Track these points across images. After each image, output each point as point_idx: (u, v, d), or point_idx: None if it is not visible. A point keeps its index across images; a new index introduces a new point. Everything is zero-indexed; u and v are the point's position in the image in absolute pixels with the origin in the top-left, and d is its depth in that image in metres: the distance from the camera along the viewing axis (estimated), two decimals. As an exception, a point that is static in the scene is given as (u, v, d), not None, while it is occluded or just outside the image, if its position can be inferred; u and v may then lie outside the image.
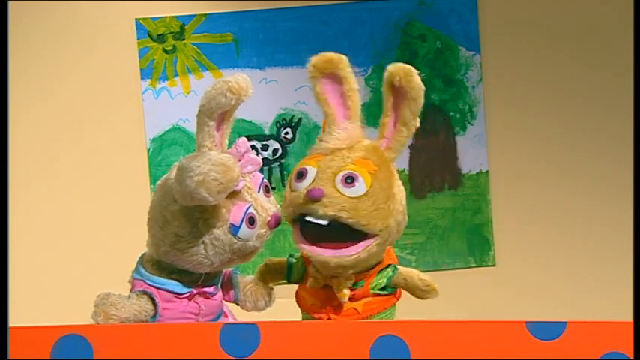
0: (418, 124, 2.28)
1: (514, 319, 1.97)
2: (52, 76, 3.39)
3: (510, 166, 3.54)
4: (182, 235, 2.14)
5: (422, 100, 2.26)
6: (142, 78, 3.41)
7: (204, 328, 2.05)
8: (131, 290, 2.30)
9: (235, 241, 2.12)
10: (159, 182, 2.32)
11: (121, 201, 3.41)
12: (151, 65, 3.41)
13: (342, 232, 2.20)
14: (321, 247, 2.22)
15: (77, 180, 3.40)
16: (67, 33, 3.38)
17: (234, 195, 2.10)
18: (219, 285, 2.30)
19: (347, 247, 2.20)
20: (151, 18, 3.40)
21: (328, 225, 2.17)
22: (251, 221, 2.12)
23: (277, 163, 3.45)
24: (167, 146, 3.43)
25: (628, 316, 2.18)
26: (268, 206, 2.17)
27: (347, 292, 2.26)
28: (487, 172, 3.51)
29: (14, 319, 2.21)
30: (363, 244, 2.23)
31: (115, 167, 3.42)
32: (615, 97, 3.53)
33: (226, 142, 2.23)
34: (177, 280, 2.20)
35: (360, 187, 2.20)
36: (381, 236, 2.25)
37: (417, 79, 2.23)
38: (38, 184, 3.39)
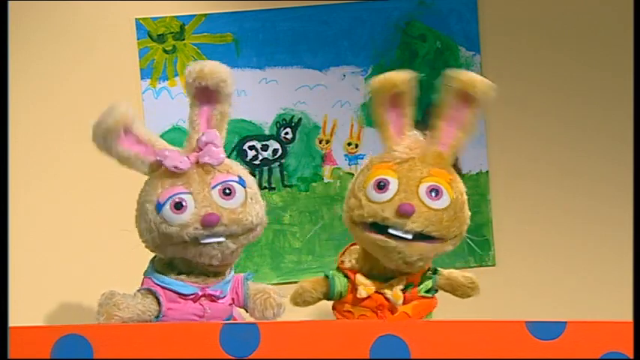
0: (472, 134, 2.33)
1: (514, 319, 1.97)
2: (51, 76, 3.38)
3: (510, 166, 3.54)
4: (139, 212, 2.21)
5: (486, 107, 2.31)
6: (142, 78, 3.41)
7: (204, 328, 2.05)
8: (140, 287, 2.30)
9: (159, 219, 2.12)
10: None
11: (121, 201, 3.40)
12: (151, 65, 3.41)
13: (415, 237, 2.24)
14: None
15: (77, 180, 3.40)
16: (67, 33, 3.38)
17: (178, 178, 2.13)
18: (227, 289, 2.29)
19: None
20: (151, 18, 3.40)
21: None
22: (177, 206, 2.11)
23: (277, 163, 3.45)
24: (167, 146, 3.42)
25: (628, 316, 2.18)
26: (214, 205, 2.15)
27: (401, 294, 2.28)
28: (487, 172, 3.50)
29: (14, 319, 2.21)
30: (437, 244, 2.27)
31: (115, 167, 3.41)
32: (615, 97, 3.53)
33: (210, 130, 2.22)
34: (184, 281, 2.20)
35: (444, 200, 2.25)
36: (455, 240, 2.31)
37: (486, 86, 2.28)
38: (38, 184, 3.39)
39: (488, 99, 2.28)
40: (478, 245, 3.40)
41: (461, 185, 2.39)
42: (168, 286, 2.23)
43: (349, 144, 3.47)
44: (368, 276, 2.36)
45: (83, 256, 3.40)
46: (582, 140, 3.55)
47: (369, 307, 2.35)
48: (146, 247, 2.24)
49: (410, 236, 2.24)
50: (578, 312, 3.37)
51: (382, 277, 2.36)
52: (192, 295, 2.22)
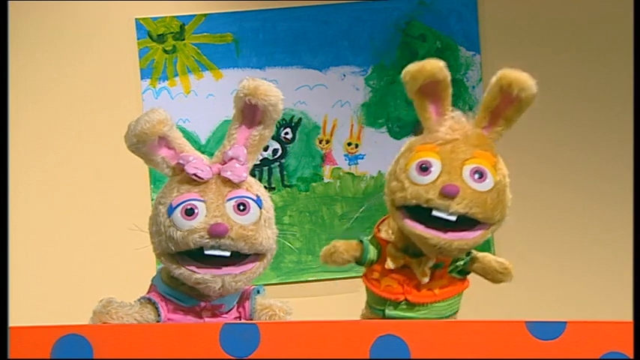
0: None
1: (514, 319, 1.97)
2: (51, 76, 3.39)
3: (510, 166, 3.53)
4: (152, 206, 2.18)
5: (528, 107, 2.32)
6: (142, 78, 3.41)
7: (204, 328, 2.05)
8: (142, 296, 2.29)
9: (168, 223, 2.09)
10: None
11: (121, 201, 3.41)
12: (151, 65, 3.41)
13: (459, 220, 2.24)
14: (432, 229, 2.24)
15: (77, 180, 3.40)
16: (67, 33, 3.39)
17: (196, 185, 2.10)
18: (231, 304, 2.27)
19: (463, 231, 2.23)
20: (151, 18, 3.40)
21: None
22: (188, 212, 2.08)
23: (277, 163, 3.45)
24: (167, 146, 3.43)
25: (628, 316, 2.18)
26: (225, 217, 2.12)
27: (428, 272, 2.29)
28: (487, 172, 3.51)
29: (14, 319, 2.21)
30: (479, 232, 2.27)
31: (115, 167, 3.42)
32: (616, 97, 3.53)
33: (238, 146, 2.19)
34: (186, 293, 2.18)
35: (488, 182, 2.25)
36: (497, 224, 2.31)
37: (534, 90, 2.28)
38: (38, 184, 3.39)
39: (531, 101, 2.30)
40: (478, 245, 3.40)
41: (504, 168, 2.40)
42: (170, 296, 2.22)
43: (349, 144, 3.47)
44: (401, 249, 2.37)
45: (83, 256, 3.40)
46: (582, 140, 3.55)
47: (397, 278, 2.36)
48: (153, 251, 2.22)
49: (454, 218, 2.24)
50: (578, 312, 3.37)
51: (415, 251, 2.37)
52: (193, 307, 2.21)
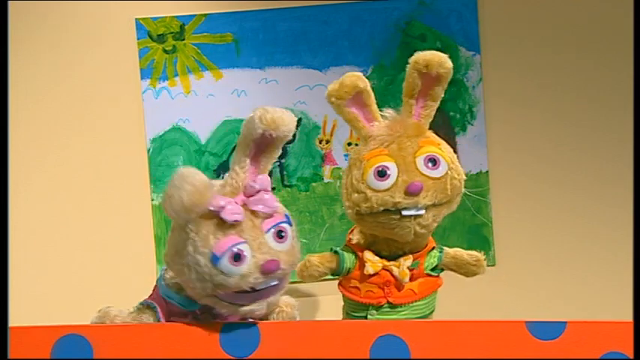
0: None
1: (514, 319, 1.97)
2: (51, 76, 3.38)
3: (510, 166, 3.54)
4: (177, 250, 2.09)
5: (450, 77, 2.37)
6: (142, 78, 3.41)
7: (204, 328, 2.05)
8: (142, 300, 2.27)
9: (215, 272, 2.04)
10: None
11: (121, 201, 3.41)
12: (151, 65, 3.41)
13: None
14: None
15: (77, 180, 3.40)
16: (67, 33, 3.38)
17: (231, 226, 2.04)
18: None
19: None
20: (151, 18, 3.40)
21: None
22: (236, 258, 2.03)
23: (277, 163, 3.45)
24: (167, 146, 3.43)
25: (628, 316, 2.18)
26: (271, 250, 2.09)
27: (407, 272, 2.32)
28: (487, 172, 3.51)
29: (14, 319, 2.21)
30: (446, 206, 2.33)
31: (115, 167, 3.42)
32: (616, 97, 3.53)
33: (262, 175, 2.16)
34: (189, 297, 2.17)
35: (442, 167, 2.31)
36: (459, 197, 2.37)
37: (450, 63, 2.35)
38: (38, 184, 3.39)
39: (449, 72, 2.37)
40: (478, 245, 3.40)
41: (449, 147, 2.45)
42: (171, 300, 2.21)
43: (349, 144, 3.47)
44: (375, 253, 2.39)
45: (83, 256, 3.40)
46: (582, 140, 3.55)
47: (376, 283, 2.39)
48: (191, 291, 2.15)
49: (423, 211, 2.28)
50: (578, 312, 3.37)
51: (389, 254, 2.39)
52: (193, 310, 2.19)
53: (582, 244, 3.56)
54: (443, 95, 2.42)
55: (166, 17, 3.41)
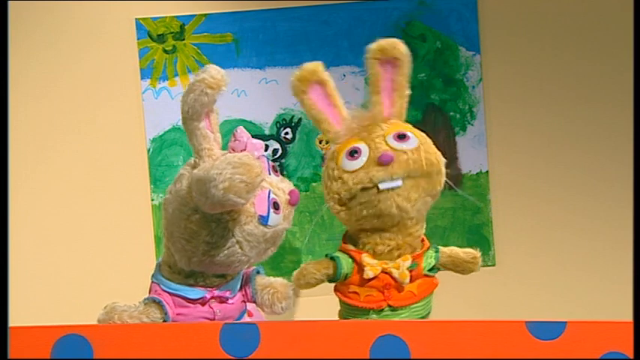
0: (410, 92, 2.38)
1: (514, 319, 1.97)
2: (51, 76, 3.38)
3: (510, 166, 3.54)
4: (214, 242, 2.10)
5: (410, 64, 2.37)
6: (142, 78, 3.41)
7: (204, 328, 2.05)
8: (146, 296, 2.27)
9: (267, 230, 2.09)
10: (167, 196, 2.27)
11: (120, 201, 3.41)
12: (151, 65, 3.41)
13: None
14: None
15: (77, 180, 3.40)
16: (67, 33, 3.38)
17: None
18: (236, 289, 2.27)
19: None
20: (151, 18, 3.40)
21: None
22: (276, 206, 2.10)
23: (277, 163, 3.45)
24: (167, 146, 3.43)
25: (628, 316, 2.18)
26: (283, 185, 2.16)
27: (407, 273, 2.31)
28: (487, 172, 3.51)
29: (14, 319, 2.21)
30: (426, 181, 2.34)
31: (115, 167, 3.42)
32: (616, 97, 3.53)
33: (218, 135, 2.20)
34: (192, 285, 2.18)
35: (413, 140, 2.31)
36: (439, 177, 2.37)
37: (403, 45, 2.35)
38: (38, 184, 3.39)
39: (403, 53, 2.37)
40: (478, 245, 3.40)
41: (419, 131, 2.45)
42: (175, 292, 2.21)
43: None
44: (370, 253, 2.38)
45: (83, 256, 3.40)
46: (582, 140, 3.55)
47: (376, 286, 2.37)
48: (179, 257, 2.18)
49: (400, 182, 2.28)
50: (578, 312, 3.37)
51: (383, 250, 2.38)
52: (200, 298, 2.20)
53: (582, 244, 3.56)
54: (409, 90, 2.41)
55: (166, 17, 3.41)
